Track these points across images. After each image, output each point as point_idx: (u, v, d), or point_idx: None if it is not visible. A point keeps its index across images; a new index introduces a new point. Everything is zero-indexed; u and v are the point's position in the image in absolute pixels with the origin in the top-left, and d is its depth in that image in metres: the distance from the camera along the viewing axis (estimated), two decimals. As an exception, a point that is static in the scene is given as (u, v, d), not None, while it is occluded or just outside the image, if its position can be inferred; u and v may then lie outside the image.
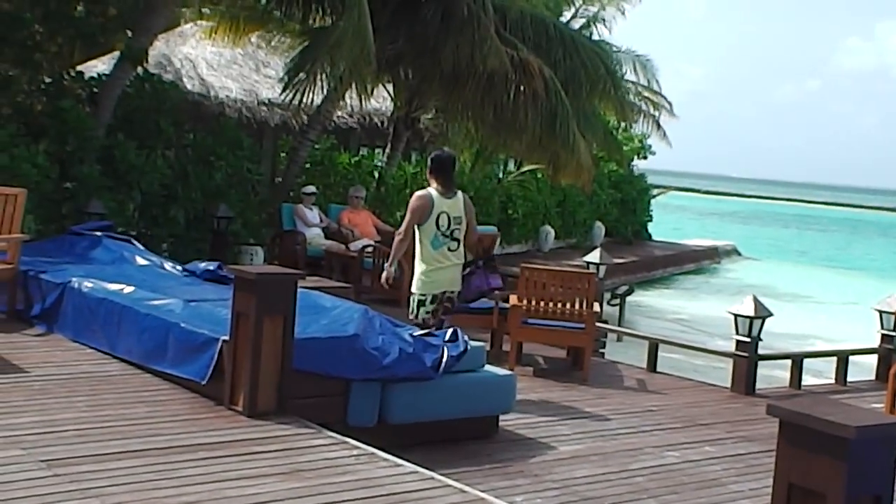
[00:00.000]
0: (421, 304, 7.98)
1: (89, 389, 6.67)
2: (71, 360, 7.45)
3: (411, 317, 7.97)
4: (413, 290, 8.09)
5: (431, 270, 7.98)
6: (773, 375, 10.83)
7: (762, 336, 9.88)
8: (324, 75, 14.11)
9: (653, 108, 27.80)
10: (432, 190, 8.04)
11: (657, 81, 26.58)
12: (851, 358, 11.23)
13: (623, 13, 25.61)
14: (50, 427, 5.76)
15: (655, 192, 31.47)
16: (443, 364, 6.97)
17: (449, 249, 8.02)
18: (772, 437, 3.86)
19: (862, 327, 12.84)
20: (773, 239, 46.05)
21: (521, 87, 15.00)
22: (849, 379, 10.99)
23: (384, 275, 8.19)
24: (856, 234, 58.82)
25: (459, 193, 8.20)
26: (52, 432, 5.67)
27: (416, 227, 7.95)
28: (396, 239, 8.12)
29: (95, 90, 13.60)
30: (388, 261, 8.32)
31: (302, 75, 13.93)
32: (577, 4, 24.58)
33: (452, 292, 8.09)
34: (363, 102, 16.89)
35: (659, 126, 28.07)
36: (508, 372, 7.81)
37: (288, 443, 5.85)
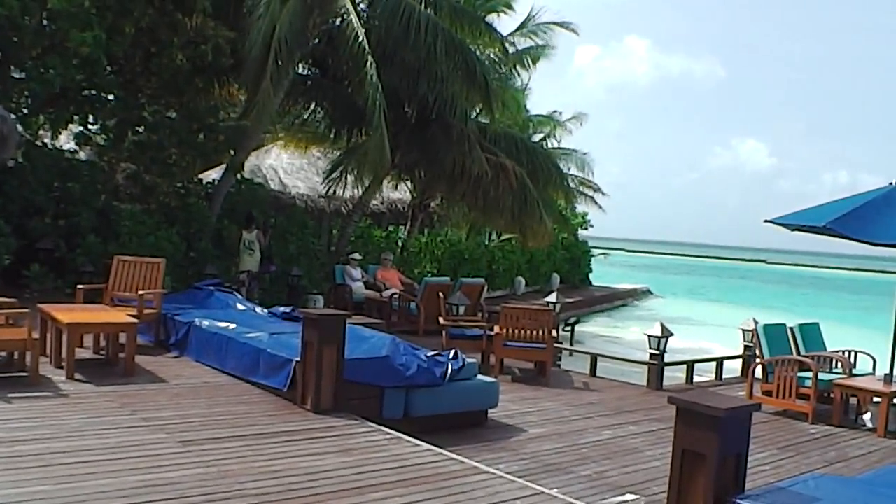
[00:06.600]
0: (238, 273, 12.42)
1: (207, 394, 6.73)
2: (195, 374, 7.51)
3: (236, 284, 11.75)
4: (240, 268, 12.54)
5: (241, 261, 12.56)
6: (675, 376, 10.82)
7: (667, 349, 9.91)
8: (350, 175, 15.19)
9: (591, 191, 27.91)
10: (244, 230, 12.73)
11: (592, 171, 26.77)
12: (725, 362, 11.27)
13: (570, 132, 26.13)
14: (183, 419, 5.82)
15: (597, 254, 31.48)
16: (448, 374, 6.99)
17: (248, 253, 12.60)
18: (673, 418, 3.94)
19: (731, 341, 12.80)
20: (674, 282, 45.88)
21: (500, 182, 15.16)
22: (724, 376, 11.01)
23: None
24: (727, 279, 58.48)
25: (255, 230, 12.73)
26: (185, 422, 5.73)
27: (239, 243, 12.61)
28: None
29: (210, 191, 13.80)
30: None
31: (335, 174, 15.19)
32: (535, 126, 25.01)
33: (252, 271, 12.59)
34: (390, 193, 17.15)
35: (596, 203, 28.15)
36: (493, 379, 7.78)
37: (341, 430, 5.88)
